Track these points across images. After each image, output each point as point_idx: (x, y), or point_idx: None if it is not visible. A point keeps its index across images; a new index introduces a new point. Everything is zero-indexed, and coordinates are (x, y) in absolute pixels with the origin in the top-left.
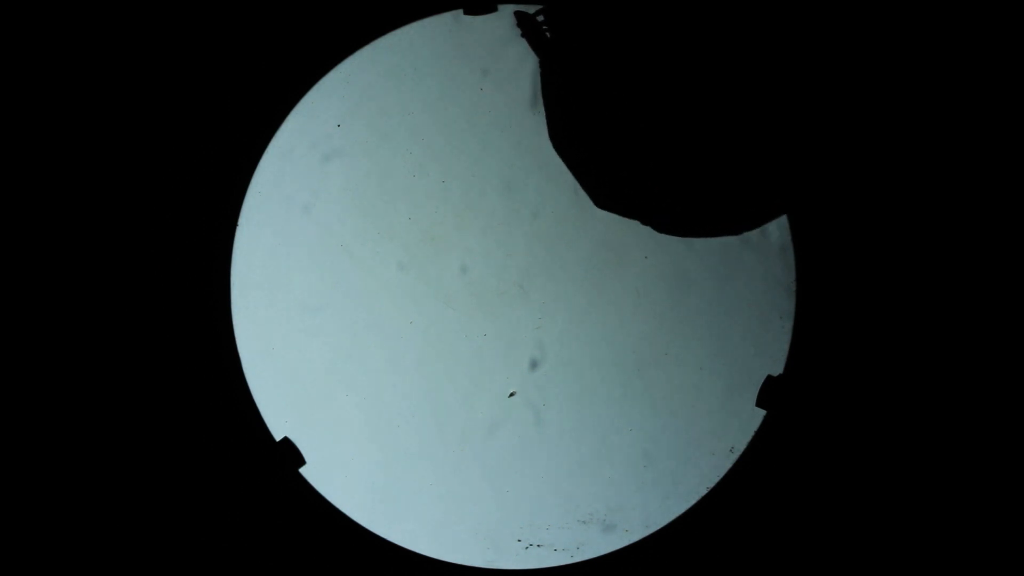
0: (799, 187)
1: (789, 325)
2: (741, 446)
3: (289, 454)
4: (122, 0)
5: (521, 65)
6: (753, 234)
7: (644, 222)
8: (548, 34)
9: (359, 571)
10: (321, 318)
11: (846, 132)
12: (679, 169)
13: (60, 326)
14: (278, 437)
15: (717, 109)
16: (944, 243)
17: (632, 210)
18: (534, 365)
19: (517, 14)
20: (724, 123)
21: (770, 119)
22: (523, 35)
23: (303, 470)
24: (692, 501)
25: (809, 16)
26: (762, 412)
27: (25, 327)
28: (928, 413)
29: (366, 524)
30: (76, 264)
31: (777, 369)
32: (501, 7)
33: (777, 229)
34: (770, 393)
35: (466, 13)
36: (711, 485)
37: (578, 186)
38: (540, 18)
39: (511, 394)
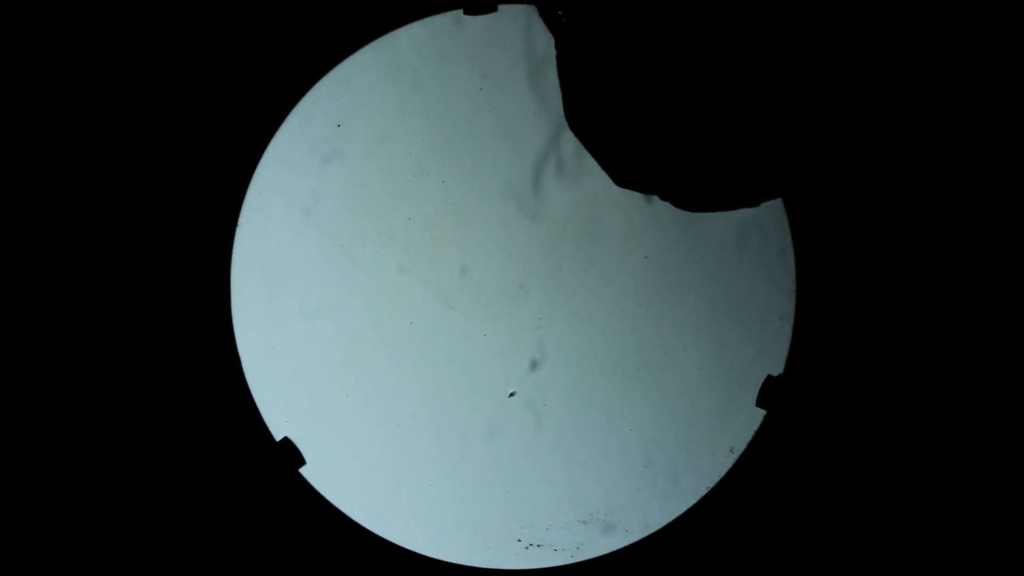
0: (812, 153)
1: (789, 325)
2: (741, 446)
3: (289, 454)
4: (122, 0)
5: (521, 65)
6: (753, 235)
7: (663, 198)
8: (563, 16)
9: (359, 571)
10: (321, 318)
11: (849, 127)
12: (695, 143)
13: (60, 326)
14: (278, 437)
15: (731, 82)
16: (944, 243)
17: (651, 186)
18: (534, 365)
19: None
20: (739, 95)
21: (783, 93)
22: (540, 15)
23: (303, 470)
24: (692, 501)
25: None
26: (762, 412)
27: (25, 327)
28: (928, 413)
29: (366, 524)
30: (76, 264)
31: (777, 369)
32: (501, 7)
33: (777, 228)
34: (770, 393)
35: (466, 13)
36: (711, 485)
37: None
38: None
39: (511, 394)
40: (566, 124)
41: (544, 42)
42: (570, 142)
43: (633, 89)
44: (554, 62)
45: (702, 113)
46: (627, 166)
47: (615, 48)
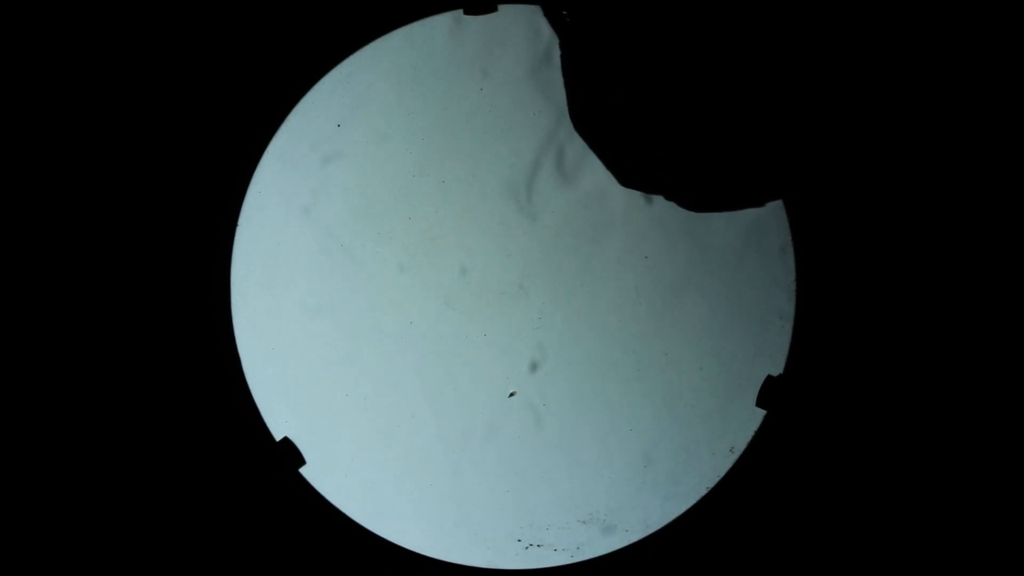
0: (814, 154)
1: (789, 325)
2: (741, 446)
3: (289, 454)
4: (122, 0)
5: (521, 65)
6: (752, 235)
7: (668, 198)
8: (568, 16)
9: (359, 571)
10: (321, 318)
11: (849, 127)
12: (698, 143)
13: (60, 326)
14: (278, 437)
15: (734, 82)
16: (944, 243)
17: (655, 186)
18: (534, 365)
19: None
20: (742, 95)
21: (785, 93)
22: (544, 14)
23: (303, 470)
24: (692, 501)
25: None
26: (762, 412)
27: (25, 327)
28: (928, 413)
29: (366, 524)
30: (76, 264)
31: (777, 369)
32: (501, 7)
33: (777, 228)
34: (770, 393)
35: (466, 13)
36: (711, 485)
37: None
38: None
39: (511, 394)
40: (568, 123)
41: (545, 42)
42: (570, 142)
43: (636, 88)
44: (555, 61)
45: (705, 112)
46: (631, 166)
47: (619, 47)
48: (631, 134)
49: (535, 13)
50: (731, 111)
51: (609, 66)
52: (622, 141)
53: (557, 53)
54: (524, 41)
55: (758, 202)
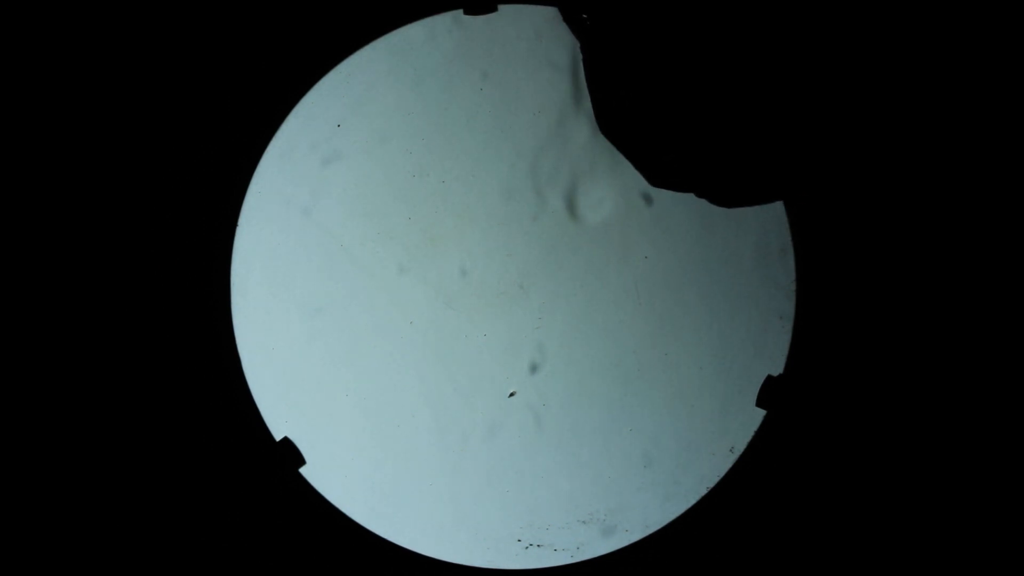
0: (823, 150)
1: (789, 325)
2: (741, 446)
3: (289, 454)
4: (122, 0)
5: (521, 65)
6: (752, 235)
7: (698, 195)
8: (588, 20)
9: (359, 571)
10: (321, 318)
11: (849, 127)
12: (724, 142)
13: (60, 326)
14: (278, 437)
15: (756, 80)
16: (944, 243)
17: (684, 185)
18: (534, 366)
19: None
20: (765, 92)
21: (789, 94)
22: (564, 20)
23: (303, 470)
24: (692, 501)
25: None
26: (762, 412)
27: (25, 327)
28: (928, 413)
29: (366, 524)
30: (76, 264)
31: (777, 369)
32: (501, 7)
33: (777, 228)
34: (770, 393)
35: (466, 13)
36: (711, 485)
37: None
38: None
39: (511, 394)
40: (568, 122)
41: (546, 42)
42: (570, 141)
43: (645, 90)
44: (555, 61)
45: (714, 115)
46: (658, 166)
47: (633, 50)
48: (645, 135)
49: (535, 13)
50: (739, 113)
51: (623, 68)
52: (641, 142)
53: (558, 53)
54: (524, 41)
55: (783, 196)
